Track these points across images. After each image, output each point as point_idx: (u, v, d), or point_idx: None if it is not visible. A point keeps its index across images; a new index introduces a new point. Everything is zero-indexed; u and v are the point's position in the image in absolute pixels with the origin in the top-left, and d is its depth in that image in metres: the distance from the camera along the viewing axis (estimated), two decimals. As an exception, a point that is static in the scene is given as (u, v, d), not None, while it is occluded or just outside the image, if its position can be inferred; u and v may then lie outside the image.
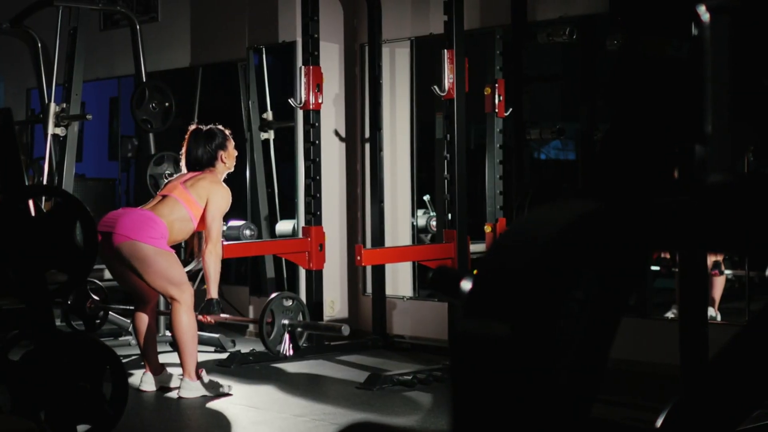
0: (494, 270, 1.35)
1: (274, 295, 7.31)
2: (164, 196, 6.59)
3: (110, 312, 8.30)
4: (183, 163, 6.81)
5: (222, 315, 6.88)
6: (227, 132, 6.85)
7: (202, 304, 6.58)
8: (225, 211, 6.60)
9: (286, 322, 7.21)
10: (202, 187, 6.55)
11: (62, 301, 8.04)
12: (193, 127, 6.88)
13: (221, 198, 6.56)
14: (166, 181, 6.97)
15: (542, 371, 1.32)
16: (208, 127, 6.83)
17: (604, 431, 1.74)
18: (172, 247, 6.49)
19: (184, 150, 6.79)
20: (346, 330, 7.10)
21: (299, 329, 7.25)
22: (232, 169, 6.87)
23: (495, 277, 1.35)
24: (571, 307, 1.44)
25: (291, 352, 7.21)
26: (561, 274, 1.36)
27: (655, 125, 1.57)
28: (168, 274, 6.32)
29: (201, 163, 6.71)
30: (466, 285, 1.68)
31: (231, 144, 6.82)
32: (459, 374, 1.30)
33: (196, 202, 6.50)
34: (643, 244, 1.47)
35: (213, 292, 6.54)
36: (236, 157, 6.90)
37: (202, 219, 6.52)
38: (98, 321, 8.29)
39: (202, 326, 6.90)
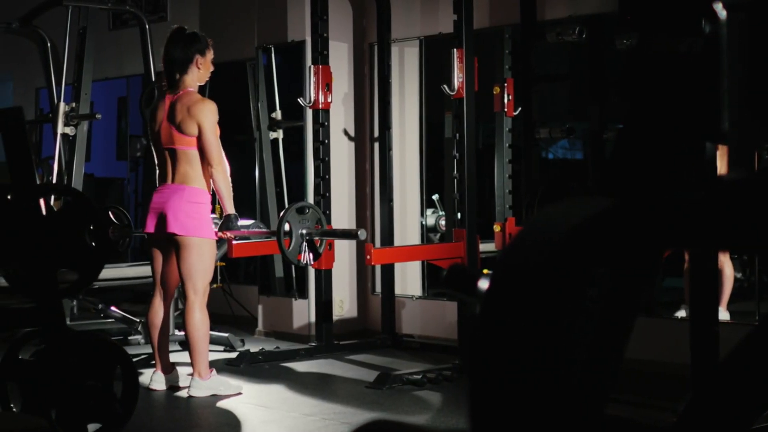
0: (510, 268, 1.36)
1: (289, 206, 7.31)
2: (170, 151, 6.54)
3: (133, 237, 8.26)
4: (162, 63, 6.73)
5: (242, 229, 6.88)
6: (210, 41, 6.77)
7: (220, 221, 6.58)
8: (216, 124, 6.51)
9: (303, 231, 7.19)
10: (188, 120, 6.46)
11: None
12: (176, 26, 6.80)
13: (209, 114, 6.48)
14: (155, 123, 6.75)
15: (557, 369, 1.32)
16: (194, 30, 6.77)
17: (618, 429, 1.74)
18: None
19: (163, 48, 6.71)
20: (362, 234, 7.10)
21: (317, 237, 7.24)
22: (203, 81, 6.74)
23: (511, 275, 1.35)
24: (585, 305, 1.44)
25: (311, 261, 7.20)
26: (575, 272, 1.36)
27: (668, 122, 1.57)
28: (201, 267, 6.41)
29: (174, 64, 6.61)
30: (483, 284, 1.68)
31: (210, 54, 6.70)
32: (476, 373, 1.30)
33: (192, 137, 6.46)
34: (657, 242, 1.47)
35: (229, 208, 6.52)
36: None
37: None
38: (122, 246, 8.22)
39: (212, 323, 6.89)
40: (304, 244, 7.18)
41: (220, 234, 6.62)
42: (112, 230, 7.97)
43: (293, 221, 7.14)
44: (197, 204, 6.43)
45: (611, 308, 1.50)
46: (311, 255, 7.19)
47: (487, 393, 1.29)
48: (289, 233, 7.13)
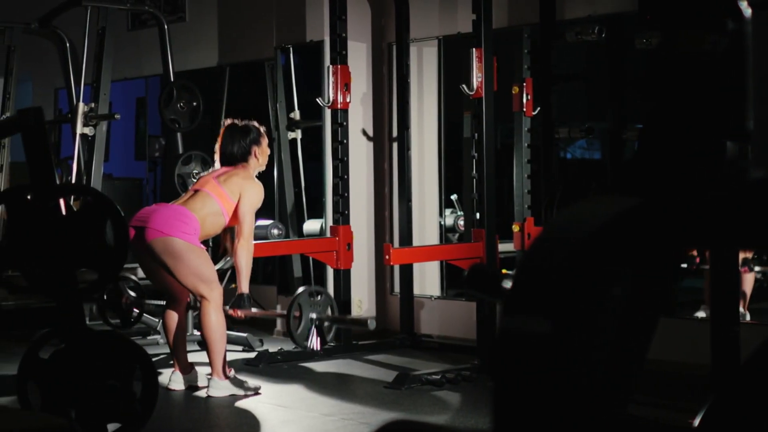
0: (534, 267, 1.35)
1: (301, 289, 7.28)
2: (196, 191, 6.61)
3: (146, 307, 8.25)
4: (217, 158, 6.83)
5: (252, 310, 6.88)
6: (262, 129, 6.88)
7: (232, 299, 6.59)
8: (257, 206, 6.62)
9: (313, 316, 7.19)
10: (234, 183, 6.56)
11: (98, 297, 8.04)
12: (228, 121, 6.88)
13: (254, 193, 6.58)
14: (199, 175, 6.96)
15: (581, 367, 1.31)
16: (244, 122, 6.84)
17: (639, 429, 1.73)
18: (202, 243, 6.52)
19: (218, 144, 6.81)
20: (372, 324, 7.06)
21: (326, 323, 7.22)
22: (264, 168, 6.88)
23: (535, 274, 1.34)
24: (608, 303, 1.44)
25: (319, 347, 7.19)
26: (599, 270, 1.35)
27: (692, 121, 1.56)
28: (199, 271, 6.34)
29: (234, 158, 6.73)
30: (507, 284, 1.68)
31: (265, 141, 6.84)
32: (500, 370, 1.30)
33: (228, 197, 6.51)
34: (681, 241, 1.46)
35: (244, 287, 6.55)
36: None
37: (234, 215, 6.54)
38: (133, 318, 8.24)
39: (230, 324, 6.90)
40: (313, 329, 7.18)
41: (230, 312, 6.62)
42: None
43: (304, 304, 7.13)
44: (186, 223, 6.40)
45: (634, 308, 1.49)
46: (319, 340, 7.19)
47: (510, 392, 1.29)
48: (299, 318, 7.12)
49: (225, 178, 6.60)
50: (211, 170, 6.93)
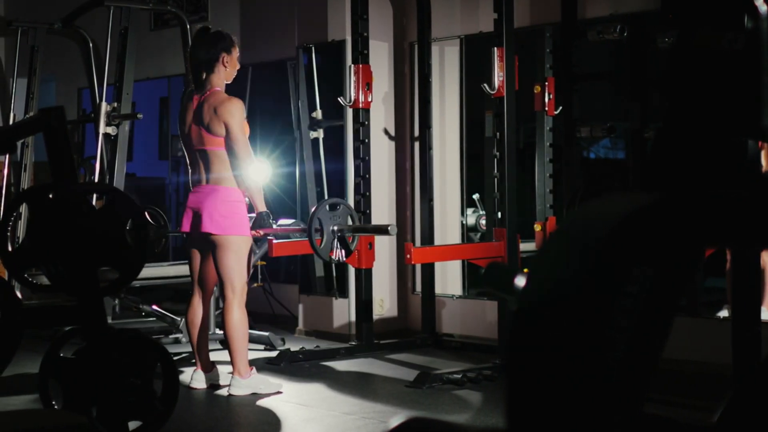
0: (548, 265, 1.35)
1: (320, 203, 7.27)
2: (200, 152, 6.54)
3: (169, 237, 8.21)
4: (188, 64, 6.73)
5: (274, 226, 6.87)
6: (234, 38, 6.76)
7: (253, 219, 6.58)
8: (243, 121, 6.53)
9: (335, 227, 7.16)
10: (215, 120, 6.45)
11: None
12: (200, 25, 6.79)
13: (236, 113, 6.47)
14: (185, 125, 6.70)
15: (596, 366, 1.31)
16: (218, 29, 6.77)
17: (658, 428, 1.73)
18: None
19: (189, 50, 6.71)
20: (393, 229, 7.06)
21: (348, 233, 7.20)
22: (230, 80, 6.70)
23: (549, 272, 1.34)
24: (624, 302, 1.43)
25: (343, 257, 7.18)
26: (615, 268, 1.35)
27: (710, 118, 1.55)
28: (238, 267, 6.41)
29: (201, 65, 6.61)
30: (520, 281, 1.67)
31: (236, 51, 6.69)
32: (513, 370, 1.29)
33: (221, 137, 6.46)
34: (699, 239, 1.46)
35: (261, 206, 6.53)
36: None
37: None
38: (158, 249, 8.21)
39: (252, 323, 6.90)
40: (336, 240, 7.16)
41: (253, 232, 6.62)
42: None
43: (324, 218, 7.12)
44: (232, 203, 6.44)
45: (651, 306, 1.48)
46: (343, 251, 7.17)
47: (523, 392, 1.28)
48: (320, 230, 7.11)
49: (207, 120, 6.48)
50: (186, 103, 6.72)
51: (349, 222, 7.31)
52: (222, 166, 6.47)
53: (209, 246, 6.52)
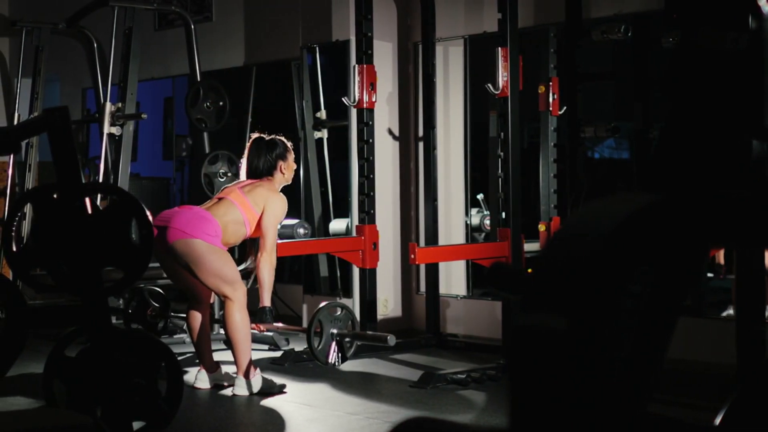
0: (552, 264, 1.35)
1: (322, 304, 7.26)
2: (220, 199, 6.62)
3: (170, 320, 8.21)
4: (243, 171, 6.83)
5: (275, 324, 6.89)
6: (289, 144, 6.86)
7: (256, 312, 6.59)
8: (281, 219, 6.65)
9: (334, 331, 7.17)
10: (258, 194, 6.56)
11: (123, 309, 8.05)
12: (255, 135, 6.88)
13: (278, 206, 6.59)
14: (224, 186, 6.95)
15: (599, 365, 1.31)
16: (271, 137, 6.85)
17: (662, 427, 1.73)
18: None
19: (245, 158, 6.82)
20: (392, 340, 7.05)
21: (347, 339, 7.21)
22: (290, 182, 6.89)
23: (553, 271, 1.34)
24: (627, 301, 1.43)
25: (340, 362, 7.20)
26: (618, 268, 1.35)
27: (714, 119, 1.55)
28: (221, 272, 6.35)
29: (260, 172, 6.73)
30: (524, 280, 1.68)
31: (291, 156, 6.83)
32: (517, 367, 1.30)
33: (251, 208, 6.51)
34: (702, 239, 1.46)
35: (266, 301, 6.56)
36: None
37: (258, 227, 6.54)
38: (159, 328, 8.22)
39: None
40: (334, 344, 7.17)
41: (253, 326, 6.65)
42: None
43: (325, 320, 7.13)
44: (208, 225, 6.41)
45: (655, 305, 1.48)
46: (340, 356, 7.19)
47: (526, 391, 1.28)
48: (320, 332, 7.11)
49: (249, 189, 6.61)
50: (236, 181, 6.93)
51: (350, 325, 7.27)
52: (226, 217, 6.48)
53: (180, 261, 6.40)
